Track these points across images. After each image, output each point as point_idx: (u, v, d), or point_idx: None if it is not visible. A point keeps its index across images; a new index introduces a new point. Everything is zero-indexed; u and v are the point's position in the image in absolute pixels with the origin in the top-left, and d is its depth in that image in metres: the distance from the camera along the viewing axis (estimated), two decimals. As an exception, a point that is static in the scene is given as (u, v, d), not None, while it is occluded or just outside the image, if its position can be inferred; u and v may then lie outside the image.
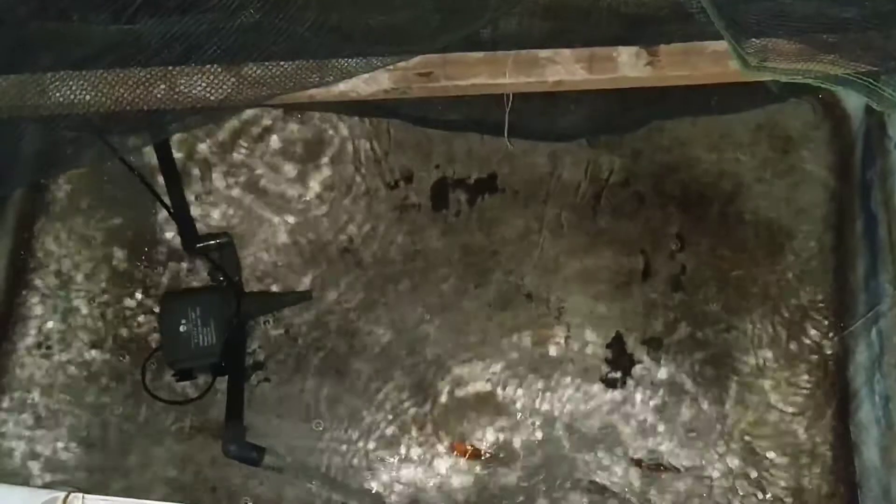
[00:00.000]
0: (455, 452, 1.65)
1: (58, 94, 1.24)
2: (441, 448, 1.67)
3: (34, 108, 1.24)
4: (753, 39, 1.33)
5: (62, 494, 1.15)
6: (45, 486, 1.61)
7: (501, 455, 1.67)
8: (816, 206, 1.78)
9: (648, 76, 1.39)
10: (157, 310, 1.72)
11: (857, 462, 1.62)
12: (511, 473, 1.66)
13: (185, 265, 1.77)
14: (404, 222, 1.81)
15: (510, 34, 1.42)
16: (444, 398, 1.70)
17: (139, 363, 1.70)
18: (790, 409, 1.68)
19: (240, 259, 1.76)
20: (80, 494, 1.14)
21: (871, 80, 1.34)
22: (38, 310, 1.75)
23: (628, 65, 1.39)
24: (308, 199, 1.81)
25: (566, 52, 1.39)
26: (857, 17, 1.37)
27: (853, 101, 1.75)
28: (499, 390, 1.70)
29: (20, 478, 1.62)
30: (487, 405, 1.69)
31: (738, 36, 1.32)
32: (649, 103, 1.60)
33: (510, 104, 1.49)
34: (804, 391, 1.68)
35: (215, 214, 1.79)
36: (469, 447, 1.66)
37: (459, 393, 1.70)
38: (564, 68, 1.39)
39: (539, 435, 1.67)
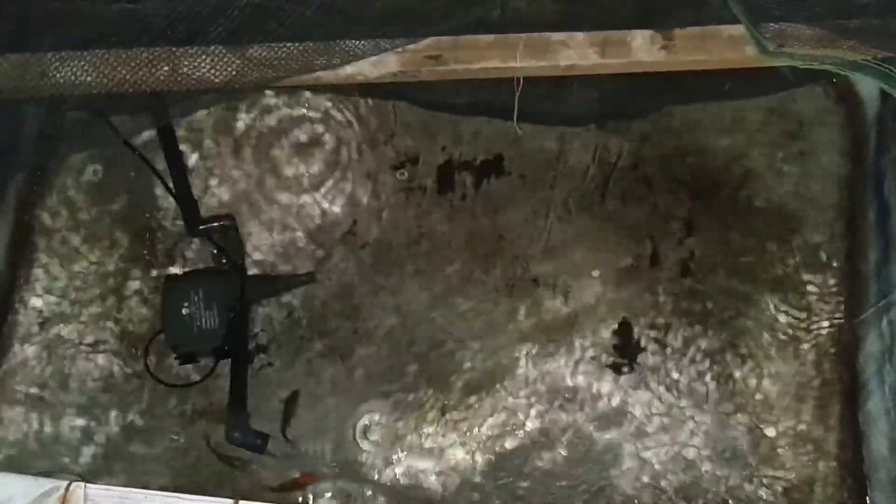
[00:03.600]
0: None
1: (59, 76, 1.22)
2: (445, 434, 1.66)
3: (35, 89, 1.22)
4: (771, 24, 1.31)
5: (64, 483, 1.14)
6: (46, 472, 1.59)
7: (506, 441, 1.66)
8: (828, 193, 1.76)
9: (663, 61, 1.37)
10: (159, 292, 1.70)
11: (865, 452, 1.61)
12: (515, 459, 1.65)
13: (187, 247, 1.75)
14: (409, 205, 1.78)
15: (522, 16, 1.39)
16: (447, 383, 1.69)
17: (141, 346, 1.68)
18: (798, 398, 1.66)
19: (243, 241, 1.74)
20: (83, 483, 1.13)
21: (889, 68, 1.32)
22: (39, 291, 1.73)
23: (643, 49, 1.37)
24: (312, 180, 1.79)
25: (579, 35, 1.37)
26: (875, 2, 1.35)
27: (868, 88, 1.72)
28: (504, 376, 1.69)
29: (20, 463, 1.61)
30: (492, 390, 1.68)
31: (755, 20, 1.30)
32: (661, 88, 1.58)
33: (520, 88, 1.47)
34: (813, 380, 1.67)
35: (218, 197, 1.77)
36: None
37: (464, 378, 1.69)
38: (577, 52, 1.37)
39: (545, 421, 1.66)
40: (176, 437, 1.65)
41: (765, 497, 1.61)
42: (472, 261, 1.75)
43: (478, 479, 1.64)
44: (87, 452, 1.65)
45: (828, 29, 1.30)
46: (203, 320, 1.62)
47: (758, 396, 1.66)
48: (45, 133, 1.45)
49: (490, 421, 1.67)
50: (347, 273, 1.75)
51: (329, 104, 1.81)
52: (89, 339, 1.70)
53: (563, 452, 1.65)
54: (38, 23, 1.27)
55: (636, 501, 1.62)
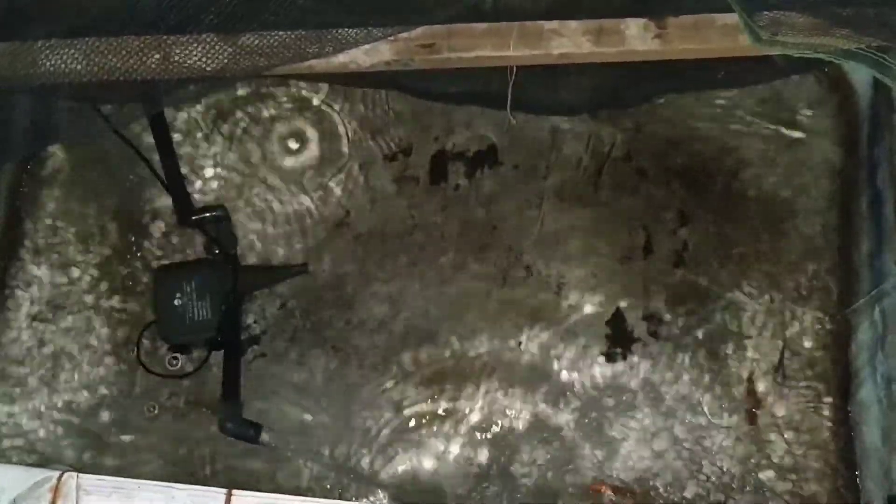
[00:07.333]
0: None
1: (49, 64, 1.21)
2: (439, 424, 1.66)
3: (25, 77, 1.21)
4: (765, 12, 1.31)
5: (56, 474, 1.13)
6: (38, 462, 1.59)
7: (500, 431, 1.65)
8: (821, 183, 1.76)
9: (657, 49, 1.36)
10: (151, 283, 1.69)
11: (857, 442, 1.61)
12: (510, 449, 1.65)
13: (180, 238, 1.74)
14: (402, 195, 1.78)
15: (515, 4, 1.39)
16: (442, 373, 1.68)
17: (133, 337, 1.68)
18: (790, 387, 1.67)
19: (236, 232, 1.73)
20: (75, 474, 1.13)
21: (883, 56, 1.32)
22: (31, 283, 1.72)
23: (636, 37, 1.36)
24: (305, 171, 1.78)
25: (572, 23, 1.37)
26: (870, -10, 1.35)
27: (861, 77, 1.72)
28: (498, 366, 1.69)
29: (11, 454, 1.60)
30: (487, 380, 1.68)
31: (749, 8, 1.30)
32: (655, 77, 1.57)
33: (514, 77, 1.46)
34: (805, 369, 1.67)
35: (210, 187, 1.76)
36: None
37: (458, 368, 1.69)
38: (570, 40, 1.36)
39: (540, 410, 1.66)
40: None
41: (757, 486, 1.62)
42: (465, 251, 1.75)
43: (473, 470, 1.64)
44: (80, 443, 1.64)
45: (821, 17, 1.30)
46: (195, 311, 1.61)
47: (750, 386, 1.67)
48: (36, 123, 1.44)
49: (485, 411, 1.67)
50: (341, 264, 1.74)
51: (321, 93, 1.81)
52: (81, 330, 1.70)
53: (558, 442, 1.65)
54: (27, 10, 1.26)
55: (628, 490, 1.62)
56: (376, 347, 1.70)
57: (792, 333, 1.69)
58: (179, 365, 1.67)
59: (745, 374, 1.67)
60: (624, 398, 1.67)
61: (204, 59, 1.28)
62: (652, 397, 1.67)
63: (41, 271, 1.73)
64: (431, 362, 1.69)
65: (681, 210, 1.76)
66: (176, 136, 1.76)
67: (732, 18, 1.35)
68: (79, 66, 1.23)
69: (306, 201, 1.77)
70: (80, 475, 1.13)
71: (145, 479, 1.15)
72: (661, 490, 1.62)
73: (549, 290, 1.73)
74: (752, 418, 1.65)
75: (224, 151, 1.78)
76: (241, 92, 1.80)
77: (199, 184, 1.76)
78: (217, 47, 1.27)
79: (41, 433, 1.64)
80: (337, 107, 1.81)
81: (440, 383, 1.68)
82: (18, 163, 1.74)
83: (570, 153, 1.79)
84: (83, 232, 1.75)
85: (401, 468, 1.64)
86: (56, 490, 1.12)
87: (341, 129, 1.80)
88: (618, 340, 1.70)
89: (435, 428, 1.66)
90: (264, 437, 1.59)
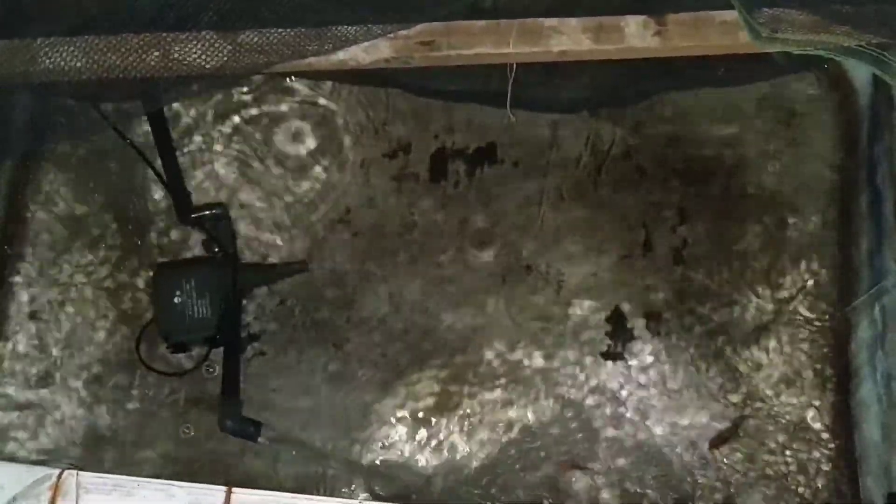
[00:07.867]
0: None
1: (48, 61, 1.21)
2: (439, 421, 1.66)
3: (24, 75, 1.21)
4: (765, 9, 1.31)
5: (56, 472, 1.14)
6: (38, 461, 1.59)
7: (499, 428, 1.65)
8: (820, 181, 1.76)
9: (656, 47, 1.36)
10: (150, 281, 1.69)
11: (857, 439, 1.61)
12: (509, 447, 1.65)
13: (179, 236, 1.74)
14: (402, 193, 1.78)
15: (515, 1, 1.39)
16: (441, 371, 1.68)
17: (133, 335, 1.68)
18: (790, 385, 1.67)
19: (235, 230, 1.73)
20: (75, 471, 1.13)
21: (883, 53, 1.32)
22: (31, 282, 1.72)
23: (636, 35, 1.36)
24: (304, 168, 1.78)
25: (572, 21, 1.37)
26: (870, -13, 1.35)
27: (860, 75, 1.71)
28: (498, 363, 1.69)
29: (11, 453, 1.61)
30: (486, 378, 1.68)
31: (749, 5, 1.30)
32: (655, 75, 1.57)
33: (513, 75, 1.46)
34: (805, 367, 1.67)
35: (209, 185, 1.76)
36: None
37: (458, 365, 1.69)
38: (570, 38, 1.36)
39: (539, 408, 1.66)
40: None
41: (756, 484, 1.62)
42: (465, 249, 1.75)
43: (472, 466, 1.64)
44: (80, 440, 1.64)
45: (821, 14, 1.30)
46: (195, 309, 1.61)
47: (750, 383, 1.67)
48: (35, 121, 1.44)
49: (485, 409, 1.67)
50: (340, 261, 1.74)
51: (321, 91, 1.80)
52: (80, 328, 1.70)
53: (557, 440, 1.65)
54: (26, 8, 1.26)
55: (625, 487, 1.63)
56: (376, 345, 1.70)
57: (791, 331, 1.69)
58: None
59: (744, 371, 1.67)
60: (623, 396, 1.67)
61: (203, 57, 1.28)
62: (651, 395, 1.67)
63: (41, 269, 1.72)
64: (431, 360, 1.69)
65: (680, 208, 1.76)
66: (175, 134, 1.76)
67: (732, 15, 1.35)
68: (78, 64, 1.23)
69: (306, 199, 1.76)
70: (80, 473, 1.13)
71: (145, 476, 1.15)
72: (660, 488, 1.62)
73: (549, 288, 1.73)
74: (751, 416, 1.65)
75: (223, 150, 1.78)
76: (239, 90, 1.80)
77: (198, 182, 1.76)
78: (216, 45, 1.27)
79: (41, 430, 1.64)
80: (336, 105, 1.80)
81: (439, 380, 1.68)
82: (18, 160, 1.74)
83: (569, 151, 1.79)
84: (83, 230, 1.74)
85: (401, 465, 1.64)
86: (56, 488, 1.12)
87: (341, 126, 1.80)
88: (617, 338, 1.70)
89: (434, 425, 1.66)
90: (264, 434, 1.59)
